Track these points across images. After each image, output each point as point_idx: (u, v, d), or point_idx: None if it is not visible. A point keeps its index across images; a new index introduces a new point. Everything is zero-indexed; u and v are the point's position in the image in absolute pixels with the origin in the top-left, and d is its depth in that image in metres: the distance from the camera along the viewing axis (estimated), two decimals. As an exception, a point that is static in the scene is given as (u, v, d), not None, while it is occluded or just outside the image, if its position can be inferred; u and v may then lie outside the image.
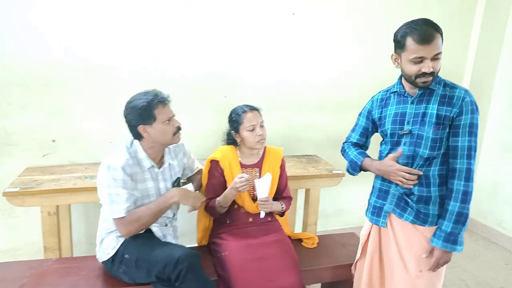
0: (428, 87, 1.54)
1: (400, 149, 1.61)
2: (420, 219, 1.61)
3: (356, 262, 1.93)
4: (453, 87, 1.56)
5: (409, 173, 1.58)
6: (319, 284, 2.48)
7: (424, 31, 1.44)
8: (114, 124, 2.57)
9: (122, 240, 1.75)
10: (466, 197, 1.52)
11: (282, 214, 2.17)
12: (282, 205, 2.11)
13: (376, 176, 1.79)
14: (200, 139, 2.73)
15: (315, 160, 2.82)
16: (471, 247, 3.35)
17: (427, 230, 1.61)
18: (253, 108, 2.04)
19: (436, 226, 1.59)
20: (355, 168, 1.81)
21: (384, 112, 1.71)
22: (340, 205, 3.37)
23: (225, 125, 2.14)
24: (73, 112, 2.50)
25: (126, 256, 1.69)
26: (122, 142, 1.83)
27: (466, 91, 1.54)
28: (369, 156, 1.79)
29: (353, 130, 1.90)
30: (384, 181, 1.73)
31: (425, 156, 1.57)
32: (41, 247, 2.52)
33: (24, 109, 2.40)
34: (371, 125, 1.81)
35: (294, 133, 3.06)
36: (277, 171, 2.13)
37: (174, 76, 2.65)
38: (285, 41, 2.84)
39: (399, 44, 1.53)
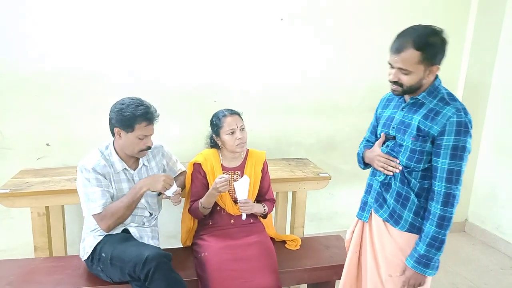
0: (416, 97, 1.49)
1: (383, 134, 1.61)
2: (393, 219, 1.58)
3: None
4: (447, 103, 1.44)
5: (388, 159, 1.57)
6: (305, 285, 2.50)
7: (397, 40, 1.42)
8: (107, 128, 2.63)
9: (100, 239, 1.81)
10: (442, 222, 1.43)
11: (265, 216, 2.21)
12: (264, 207, 2.15)
13: (369, 173, 1.79)
14: (189, 142, 2.79)
15: (304, 163, 2.84)
16: (468, 251, 3.31)
17: (400, 235, 1.57)
18: (233, 112, 2.08)
19: (408, 233, 1.56)
20: (360, 160, 1.79)
21: (382, 113, 1.70)
22: (334, 208, 3.38)
23: (205, 130, 2.20)
24: (66, 116, 2.59)
25: (102, 254, 1.76)
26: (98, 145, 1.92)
27: (457, 109, 1.40)
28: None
29: (368, 128, 1.87)
30: (372, 176, 1.73)
31: (403, 165, 1.53)
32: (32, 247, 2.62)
33: (19, 114, 2.50)
34: (377, 123, 1.78)
35: (285, 136, 3.09)
36: (258, 174, 2.17)
37: (165, 81, 2.72)
38: (274, 46, 2.88)
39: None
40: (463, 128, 1.39)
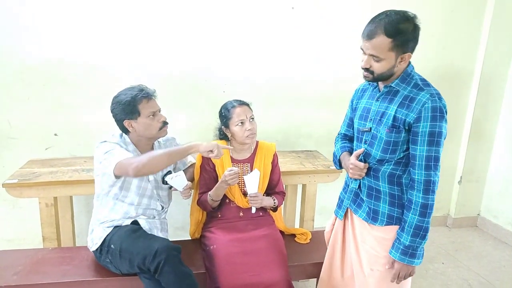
0: (390, 85, 1.46)
1: (362, 149, 1.57)
2: (371, 217, 1.57)
3: None
4: (420, 88, 1.41)
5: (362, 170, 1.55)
6: (314, 281, 2.46)
7: (369, 26, 1.38)
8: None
9: (109, 230, 1.79)
10: (425, 210, 1.42)
11: (275, 209, 2.17)
12: (274, 200, 2.11)
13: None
14: (198, 133, 2.75)
15: (314, 155, 2.80)
16: (479, 247, 3.25)
17: (379, 230, 1.55)
18: (242, 103, 2.04)
19: (387, 226, 1.53)
20: (335, 162, 1.78)
21: (358, 104, 1.66)
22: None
23: (213, 122, 2.16)
24: (73, 106, 2.57)
25: (112, 246, 1.74)
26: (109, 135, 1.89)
27: (431, 94, 1.38)
28: (348, 151, 1.72)
29: (343, 121, 1.84)
30: (348, 175, 1.70)
31: (377, 158, 1.51)
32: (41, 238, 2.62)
33: (26, 104, 2.48)
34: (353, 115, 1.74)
35: (294, 128, 3.04)
36: (268, 167, 2.13)
37: (173, 71, 2.68)
38: (284, 35, 2.82)
39: None
40: (439, 113, 1.36)
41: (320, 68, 2.95)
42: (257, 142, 2.16)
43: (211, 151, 1.69)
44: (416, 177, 1.42)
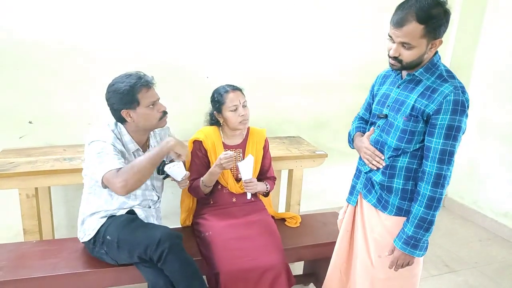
0: (413, 74, 1.43)
1: (372, 128, 1.58)
2: (381, 204, 1.57)
3: None
4: (445, 80, 1.38)
5: (374, 154, 1.55)
6: (302, 263, 2.52)
7: (399, 13, 1.32)
8: (92, 104, 2.50)
9: (103, 221, 1.73)
10: (431, 203, 1.39)
11: (266, 194, 2.19)
12: (266, 185, 2.13)
13: (359, 157, 1.76)
14: (180, 120, 2.68)
15: (298, 141, 2.83)
16: (448, 226, 3.46)
17: (388, 218, 1.56)
18: (235, 88, 2.02)
19: (396, 216, 1.53)
20: (350, 140, 1.76)
21: (379, 90, 1.63)
22: (323, 186, 3.41)
23: (206, 106, 2.11)
24: (49, 92, 2.42)
25: (107, 237, 1.67)
26: (103, 123, 1.79)
27: (455, 87, 1.35)
28: (362, 131, 1.72)
29: (363, 105, 1.80)
30: (360, 160, 1.69)
31: (392, 146, 1.48)
32: (19, 231, 2.47)
33: (-3, 89, 2.31)
34: (373, 100, 1.71)
35: (276, 115, 3.05)
36: (260, 152, 2.13)
37: (153, 55, 2.58)
38: (266, 24, 2.80)
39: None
40: (460, 107, 1.33)
41: (301, 57, 2.97)
42: (248, 128, 2.15)
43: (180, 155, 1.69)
44: (427, 169, 1.40)
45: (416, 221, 1.43)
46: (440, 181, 1.38)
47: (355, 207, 1.74)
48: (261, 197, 2.21)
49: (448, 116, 1.34)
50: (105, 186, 1.63)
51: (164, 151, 1.66)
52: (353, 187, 1.75)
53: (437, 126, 1.36)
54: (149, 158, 1.61)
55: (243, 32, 2.77)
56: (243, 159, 2.07)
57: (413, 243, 1.44)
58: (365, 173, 1.63)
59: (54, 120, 2.47)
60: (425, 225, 1.42)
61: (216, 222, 1.96)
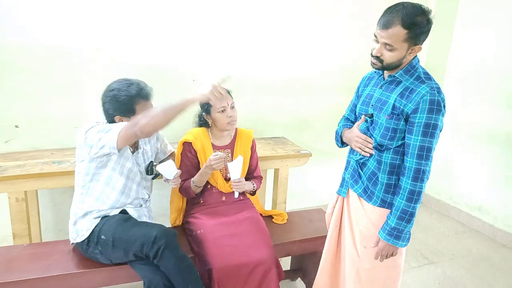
0: (393, 75, 1.53)
1: (363, 116, 1.65)
2: (367, 195, 1.66)
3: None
4: (422, 81, 1.49)
5: (365, 140, 1.63)
6: (289, 258, 2.60)
7: (386, 15, 1.43)
8: (79, 108, 2.52)
9: (97, 221, 1.76)
10: (412, 196, 1.49)
11: (253, 193, 2.25)
12: (253, 184, 2.19)
13: (348, 150, 1.84)
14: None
15: (283, 141, 2.92)
16: (426, 221, 3.62)
17: (372, 211, 1.65)
18: (223, 90, 2.08)
19: (380, 209, 1.63)
20: (338, 139, 1.84)
21: (364, 91, 1.72)
22: (306, 185, 3.51)
23: (193, 109, 2.16)
24: (35, 96, 2.41)
25: (102, 237, 1.71)
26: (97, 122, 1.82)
27: (431, 88, 1.46)
28: (349, 127, 1.80)
29: (348, 106, 1.89)
30: (350, 152, 1.78)
31: (378, 143, 1.58)
32: (5, 235, 2.47)
33: (-18, 94, 2.30)
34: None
35: (261, 116, 3.13)
36: (248, 152, 2.20)
37: (139, 58, 2.61)
38: (251, 28, 2.88)
39: None
40: (436, 106, 1.43)
41: (285, 60, 3.07)
42: (236, 128, 2.22)
43: (214, 95, 1.55)
44: (407, 164, 1.50)
45: (398, 213, 1.52)
46: (419, 175, 1.48)
47: (343, 200, 1.83)
48: (248, 195, 2.27)
49: (425, 115, 1.44)
50: (120, 150, 1.62)
51: (182, 107, 1.57)
52: (343, 179, 1.83)
53: (415, 124, 1.46)
54: (163, 109, 1.57)
55: (229, 37, 2.84)
56: (232, 159, 2.13)
57: (396, 234, 1.54)
58: (356, 160, 1.70)
59: (41, 124, 2.46)
60: (407, 217, 1.52)
61: (207, 220, 2.01)
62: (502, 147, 3.22)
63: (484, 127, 3.36)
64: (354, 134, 1.67)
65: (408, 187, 1.50)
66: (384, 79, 1.62)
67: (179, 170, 1.89)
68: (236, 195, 2.08)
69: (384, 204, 1.62)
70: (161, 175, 1.92)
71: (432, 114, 1.44)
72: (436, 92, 1.45)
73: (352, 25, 3.21)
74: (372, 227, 1.66)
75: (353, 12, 3.18)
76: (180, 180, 1.98)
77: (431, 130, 1.45)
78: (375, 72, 1.66)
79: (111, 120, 1.77)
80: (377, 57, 1.49)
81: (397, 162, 1.58)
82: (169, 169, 1.82)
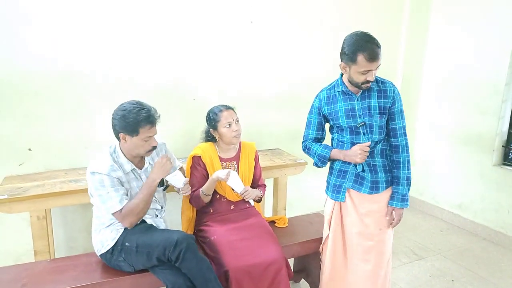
0: None
1: (369, 142, 1.93)
2: (374, 188, 2.01)
3: (326, 239, 2.21)
4: (383, 82, 1.97)
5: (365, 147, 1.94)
6: (292, 260, 2.78)
7: (373, 50, 1.75)
8: (89, 129, 2.67)
9: (121, 231, 1.91)
10: (409, 164, 2.01)
11: (259, 200, 2.44)
12: (260, 191, 2.38)
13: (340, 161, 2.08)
14: (170, 140, 2.89)
15: (279, 152, 3.13)
16: (412, 220, 3.88)
17: (380, 198, 2.03)
18: (228, 107, 2.29)
19: (385, 191, 2.02)
20: (324, 161, 2.07)
21: (334, 108, 2.00)
22: (299, 193, 3.70)
23: (193, 126, 2.37)
24: (47, 119, 2.55)
25: (126, 244, 1.86)
26: (106, 147, 1.98)
27: (392, 83, 1.99)
28: (333, 148, 2.06)
29: (308, 128, 2.11)
30: (344, 163, 2.04)
31: (376, 140, 1.97)
32: (19, 255, 2.56)
33: (-2, 119, 2.42)
34: (323, 119, 2.08)
35: (256, 129, 3.33)
36: (252, 163, 2.40)
37: (144, 81, 2.80)
38: (244, 47, 3.12)
39: (348, 58, 1.80)
40: (400, 95, 1.99)
41: (277, 76, 3.31)
42: (240, 142, 2.41)
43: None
44: (400, 143, 1.99)
45: (405, 181, 2.00)
46: (408, 147, 2.02)
47: (340, 204, 2.09)
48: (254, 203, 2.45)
49: (399, 103, 1.98)
50: None
51: (153, 190, 1.94)
52: (339, 186, 2.08)
53: (395, 112, 1.97)
54: (142, 200, 1.89)
55: (224, 59, 3.06)
56: (238, 170, 2.32)
57: (406, 198, 2.02)
58: (358, 172, 2.01)
59: (53, 146, 2.59)
60: (410, 181, 2.02)
61: (219, 227, 2.19)
62: (476, 147, 3.53)
63: (459, 130, 3.67)
64: (358, 147, 1.91)
65: (406, 158, 2.00)
66: (355, 93, 1.95)
67: (187, 178, 2.06)
68: (252, 203, 2.26)
69: (388, 184, 2.03)
70: (172, 185, 2.09)
71: (401, 101, 1.99)
72: (394, 85, 2.01)
73: (335, 37, 3.47)
74: (382, 209, 2.03)
75: (335, 24, 3.45)
76: (189, 187, 2.13)
77: (403, 113, 2.00)
78: (329, 90, 2.04)
79: (116, 135, 1.92)
80: (370, 81, 1.84)
81: (385, 147, 2.03)
82: (178, 178, 2.00)
